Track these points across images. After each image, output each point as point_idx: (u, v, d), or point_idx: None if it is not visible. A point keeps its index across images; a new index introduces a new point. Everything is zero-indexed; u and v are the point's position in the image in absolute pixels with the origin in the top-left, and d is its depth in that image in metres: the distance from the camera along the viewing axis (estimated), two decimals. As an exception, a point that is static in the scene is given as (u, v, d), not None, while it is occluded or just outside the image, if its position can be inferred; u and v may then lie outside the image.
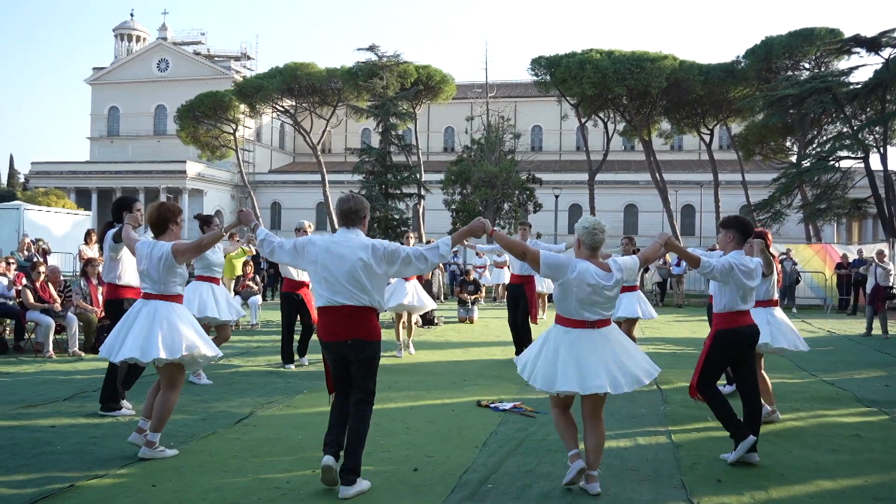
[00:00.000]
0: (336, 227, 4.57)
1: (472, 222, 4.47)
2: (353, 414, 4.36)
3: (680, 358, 9.95)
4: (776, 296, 6.41)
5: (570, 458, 4.38)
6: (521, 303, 9.38)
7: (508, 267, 17.28)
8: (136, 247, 5.14)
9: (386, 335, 12.07)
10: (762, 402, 6.11)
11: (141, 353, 4.80)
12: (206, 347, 4.99)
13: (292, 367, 8.73)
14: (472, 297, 15.49)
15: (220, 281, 8.31)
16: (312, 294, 6.26)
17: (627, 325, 8.85)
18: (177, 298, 5.06)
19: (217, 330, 8.10)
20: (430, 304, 10.15)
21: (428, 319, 13.77)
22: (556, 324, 4.47)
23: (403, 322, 10.00)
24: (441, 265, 20.16)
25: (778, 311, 6.33)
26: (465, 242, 7.40)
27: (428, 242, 6.04)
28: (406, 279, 9.67)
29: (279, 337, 8.76)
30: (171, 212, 5.14)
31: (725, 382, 7.32)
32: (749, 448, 4.91)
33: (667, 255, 8.18)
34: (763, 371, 6.29)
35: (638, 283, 9.21)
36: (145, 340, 4.81)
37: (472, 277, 16.44)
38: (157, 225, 5.10)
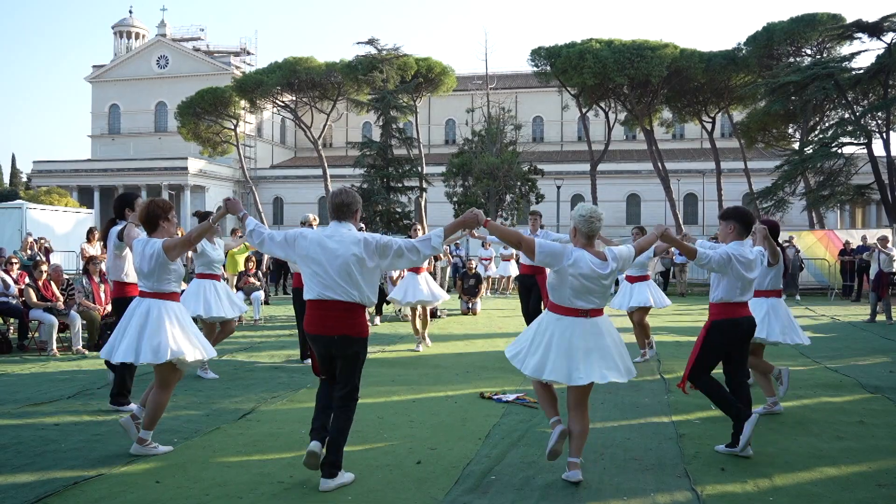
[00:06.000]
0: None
1: (466, 213, 4.44)
2: (336, 409, 4.32)
3: (683, 347, 9.93)
4: (780, 285, 6.34)
5: (551, 425, 4.46)
6: (533, 292, 9.38)
7: (516, 259, 17.26)
8: (133, 244, 5.14)
9: (388, 329, 12.00)
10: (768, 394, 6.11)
11: (134, 357, 4.84)
12: (193, 351, 4.92)
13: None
14: (473, 299, 15.50)
15: (222, 277, 8.29)
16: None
17: (640, 313, 8.83)
18: (172, 296, 5.02)
19: (221, 325, 8.10)
20: (443, 296, 10.25)
21: (431, 312, 13.76)
22: (549, 311, 4.47)
23: (419, 315, 10.04)
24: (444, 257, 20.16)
25: (781, 303, 6.22)
26: (475, 234, 7.31)
27: None
28: (417, 273, 9.75)
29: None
30: (160, 208, 5.08)
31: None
32: (755, 424, 4.79)
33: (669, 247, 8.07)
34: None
35: (649, 273, 9.18)
36: (137, 343, 4.83)
37: (473, 271, 16.39)
38: (148, 222, 5.07)
